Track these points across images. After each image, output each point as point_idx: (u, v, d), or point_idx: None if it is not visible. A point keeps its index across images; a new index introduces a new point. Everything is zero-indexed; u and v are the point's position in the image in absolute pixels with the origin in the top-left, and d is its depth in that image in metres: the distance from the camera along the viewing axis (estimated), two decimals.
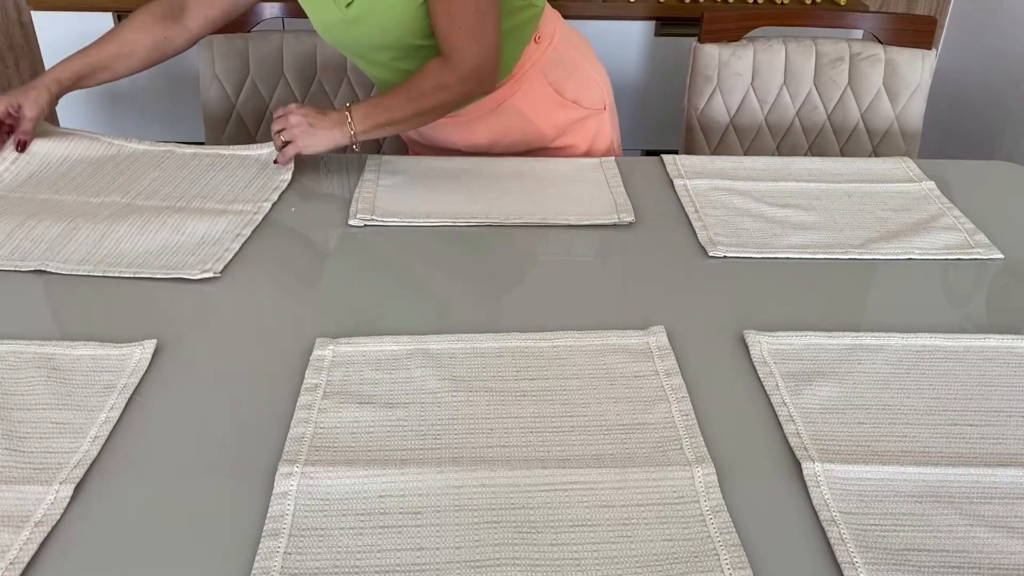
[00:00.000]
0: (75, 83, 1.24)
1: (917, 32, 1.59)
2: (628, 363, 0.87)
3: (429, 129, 1.36)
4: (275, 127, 1.17)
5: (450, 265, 1.05)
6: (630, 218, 1.14)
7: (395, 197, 1.18)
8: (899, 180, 1.26)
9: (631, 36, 2.17)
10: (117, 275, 0.99)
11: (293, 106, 1.16)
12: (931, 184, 1.24)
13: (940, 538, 0.69)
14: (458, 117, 1.31)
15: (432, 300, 0.98)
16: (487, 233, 1.11)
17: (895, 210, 1.18)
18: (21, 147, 1.19)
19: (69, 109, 2.17)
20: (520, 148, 1.34)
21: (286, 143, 1.17)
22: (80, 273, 0.99)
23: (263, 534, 0.67)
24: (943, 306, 0.99)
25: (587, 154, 1.40)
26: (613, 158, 1.31)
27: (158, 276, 0.99)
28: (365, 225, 1.12)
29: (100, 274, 0.99)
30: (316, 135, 1.15)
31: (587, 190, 1.21)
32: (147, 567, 0.65)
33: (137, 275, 0.99)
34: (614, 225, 1.13)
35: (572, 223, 1.13)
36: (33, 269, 1.00)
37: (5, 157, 1.20)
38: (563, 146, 1.35)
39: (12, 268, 1.00)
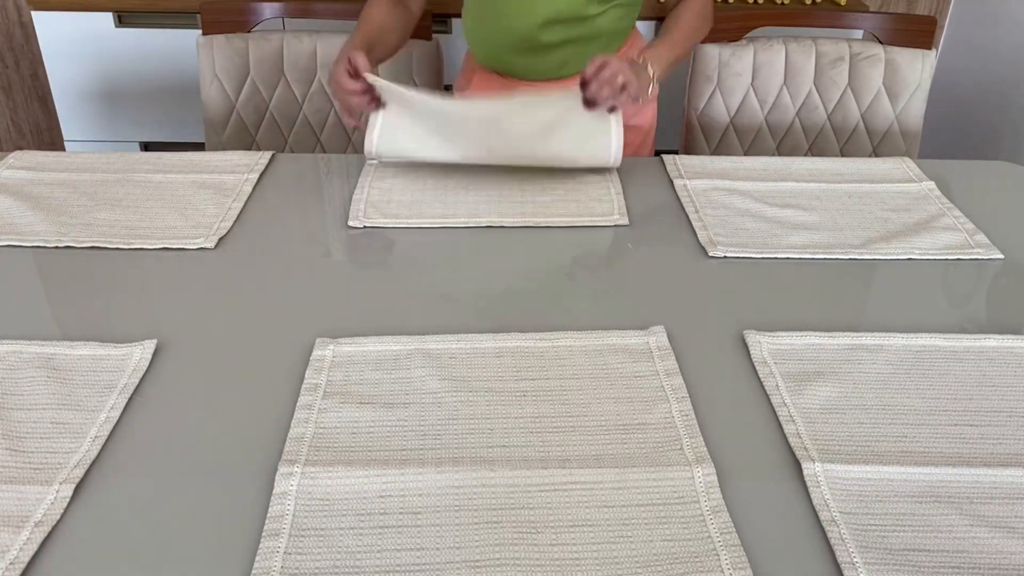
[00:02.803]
0: (367, 53, 1.20)
1: (917, 32, 1.59)
2: (628, 363, 0.87)
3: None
4: (607, 74, 1.12)
5: (450, 265, 1.05)
6: (630, 218, 1.14)
7: (395, 198, 1.18)
8: (899, 180, 1.26)
9: None
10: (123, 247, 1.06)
11: (600, 60, 1.13)
12: (931, 184, 1.24)
13: (940, 538, 0.69)
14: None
15: (432, 300, 0.98)
16: (487, 233, 1.11)
17: (895, 210, 1.18)
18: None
19: (69, 109, 2.18)
20: None
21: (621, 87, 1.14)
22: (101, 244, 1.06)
23: (263, 534, 0.67)
24: (943, 306, 0.99)
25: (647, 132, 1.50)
26: None
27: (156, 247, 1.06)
28: (364, 226, 1.12)
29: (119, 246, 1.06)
30: (638, 77, 1.18)
31: (587, 190, 1.21)
32: (147, 567, 0.66)
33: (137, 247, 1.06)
34: (614, 225, 1.13)
35: (572, 223, 1.13)
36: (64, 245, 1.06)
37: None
38: (631, 125, 1.42)
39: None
